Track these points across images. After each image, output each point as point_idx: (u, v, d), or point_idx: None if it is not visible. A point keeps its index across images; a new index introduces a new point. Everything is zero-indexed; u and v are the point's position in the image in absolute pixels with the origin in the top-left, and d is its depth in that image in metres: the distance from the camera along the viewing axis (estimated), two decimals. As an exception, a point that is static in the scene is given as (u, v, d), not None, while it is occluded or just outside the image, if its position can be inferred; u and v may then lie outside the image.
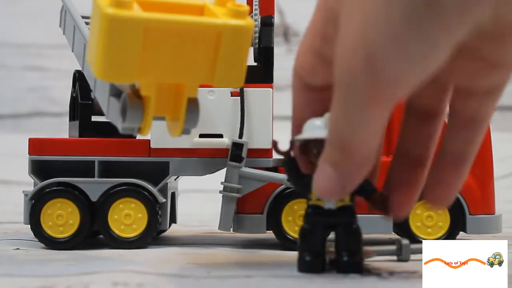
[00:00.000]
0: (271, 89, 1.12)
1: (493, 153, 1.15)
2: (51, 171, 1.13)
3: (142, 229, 1.11)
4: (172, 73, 0.74)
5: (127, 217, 1.11)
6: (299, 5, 2.37)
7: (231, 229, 1.12)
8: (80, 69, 1.14)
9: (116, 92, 0.83)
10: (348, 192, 0.78)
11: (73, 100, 1.20)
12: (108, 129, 1.13)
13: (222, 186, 1.10)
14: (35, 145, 1.13)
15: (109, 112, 0.87)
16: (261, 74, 1.12)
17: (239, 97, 1.10)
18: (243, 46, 0.75)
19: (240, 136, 1.10)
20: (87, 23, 1.08)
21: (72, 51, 1.14)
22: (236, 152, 1.09)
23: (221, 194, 1.10)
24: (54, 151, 1.13)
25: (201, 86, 0.94)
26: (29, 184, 1.14)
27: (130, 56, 0.70)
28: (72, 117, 1.20)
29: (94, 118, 1.17)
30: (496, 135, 1.18)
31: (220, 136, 1.11)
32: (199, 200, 1.77)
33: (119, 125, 0.82)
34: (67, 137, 1.20)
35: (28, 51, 2.38)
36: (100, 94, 0.93)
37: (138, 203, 1.11)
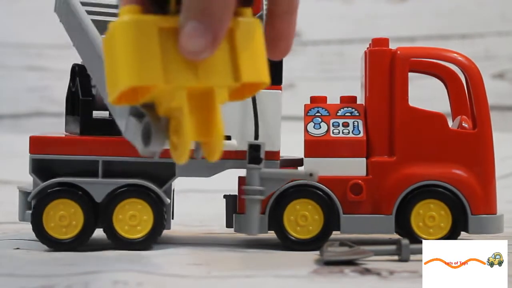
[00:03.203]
0: (280, 91, 1.11)
1: (494, 153, 1.15)
2: (52, 171, 1.12)
3: (147, 231, 1.10)
4: (198, 76, 0.73)
5: (132, 218, 1.10)
6: (299, 5, 2.38)
7: (257, 233, 1.09)
8: (78, 62, 1.12)
9: (136, 112, 0.81)
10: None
11: (71, 94, 1.18)
12: (110, 127, 1.12)
13: (244, 190, 1.07)
14: (36, 143, 1.11)
15: (127, 131, 0.85)
16: (270, 75, 1.11)
17: (250, 99, 1.09)
18: (257, 39, 0.75)
19: (256, 137, 1.09)
20: (89, 12, 1.06)
21: (74, 45, 1.13)
22: (253, 154, 1.07)
23: (246, 198, 1.07)
24: (56, 150, 1.11)
25: None
26: (29, 184, 1.13)
27: (151, 58, 0.70)
28: (71, 112, 1.18)
29: (95, 114, 1.15)
30: (497, 135, 1.18)
31: (228, 138, 1.10)
32: (199, 200, 1.77)
33: (140, 148, 0.81)
34: (64, 131, 1.19)
35: (28, 51, 2.37)
36: (115, 109, 0.91)
37: (144, 204, 1.10)
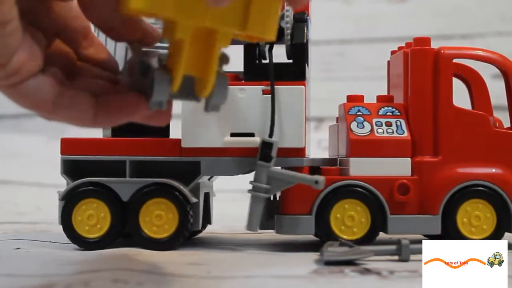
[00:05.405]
0: (303, 86, 1.10)
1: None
2: (83, 171, 1.12)
3: (173, 230, 1.09)
4: (207, 17, 0.73)
5: (158, 218, 1.10)
6: (300, 5, 2.38)
7: (258, 229, 1.08)
8: None
9: (144, 70, 0.82)
10: None
11: None
12: (140, 129, 1.12)
13: (251, 185, 1.07)
14: (67, 145, 1.13)
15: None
16: (294, 71, 1.10)
17: (270, 95, 1.08)
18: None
19: (271, 135, 1.08)
20: None
21: None
22: (265, 151, 1.06)
23: (251, 194, 1.07)
24: (85, 151, 1.12)
25: (232, 84, 0.92)
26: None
27: None
28: None
29: None
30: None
31: (252, 135, 1.10)
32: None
33: (148, 101, 0.81)
34: (101, 136, 1.19)
35: (29, 51, 2.37)
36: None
37: (169, 204, 1.10)
